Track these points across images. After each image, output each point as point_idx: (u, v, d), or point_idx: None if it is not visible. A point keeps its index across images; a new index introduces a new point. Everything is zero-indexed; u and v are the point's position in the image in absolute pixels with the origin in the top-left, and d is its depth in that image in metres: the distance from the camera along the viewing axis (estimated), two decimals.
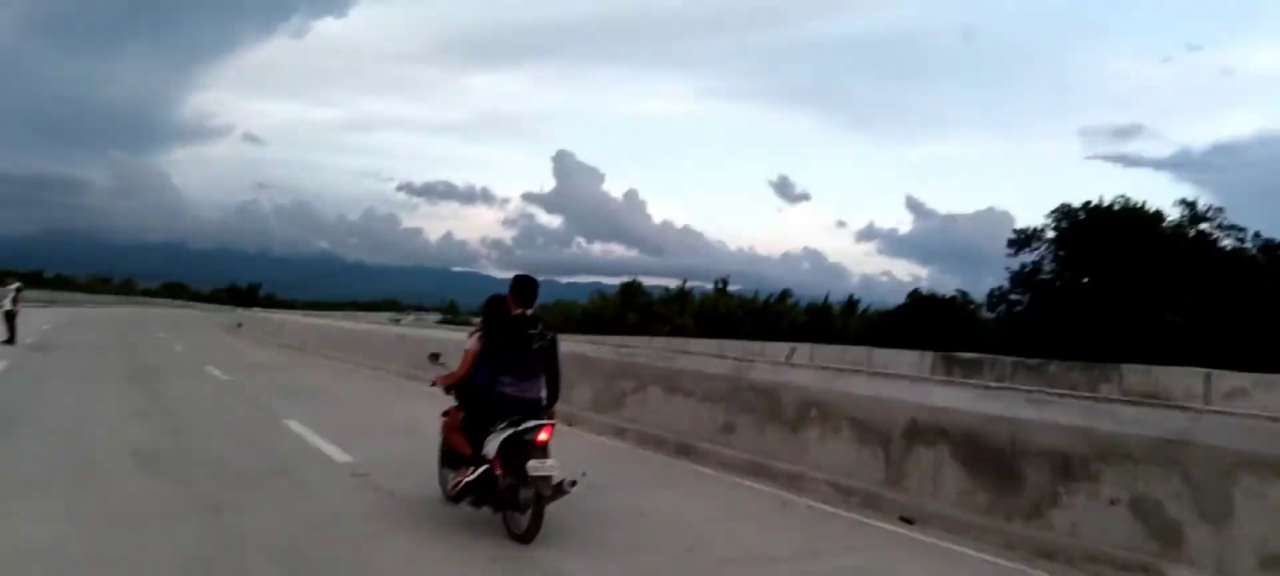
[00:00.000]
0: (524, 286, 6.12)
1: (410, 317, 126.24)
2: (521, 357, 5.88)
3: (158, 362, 19.53)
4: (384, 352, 20.55)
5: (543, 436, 5.58)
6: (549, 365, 6.02)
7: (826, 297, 61.17)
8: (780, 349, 22.11)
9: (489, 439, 5.72)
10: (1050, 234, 47.88)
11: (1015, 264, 49.01)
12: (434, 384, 6.63)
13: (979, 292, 52.33)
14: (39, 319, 36.59)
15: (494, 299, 6.34)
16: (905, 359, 18.94)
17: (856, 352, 20.80)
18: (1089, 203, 46.90)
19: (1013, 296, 49.25)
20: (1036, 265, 48.41)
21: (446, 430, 6.40)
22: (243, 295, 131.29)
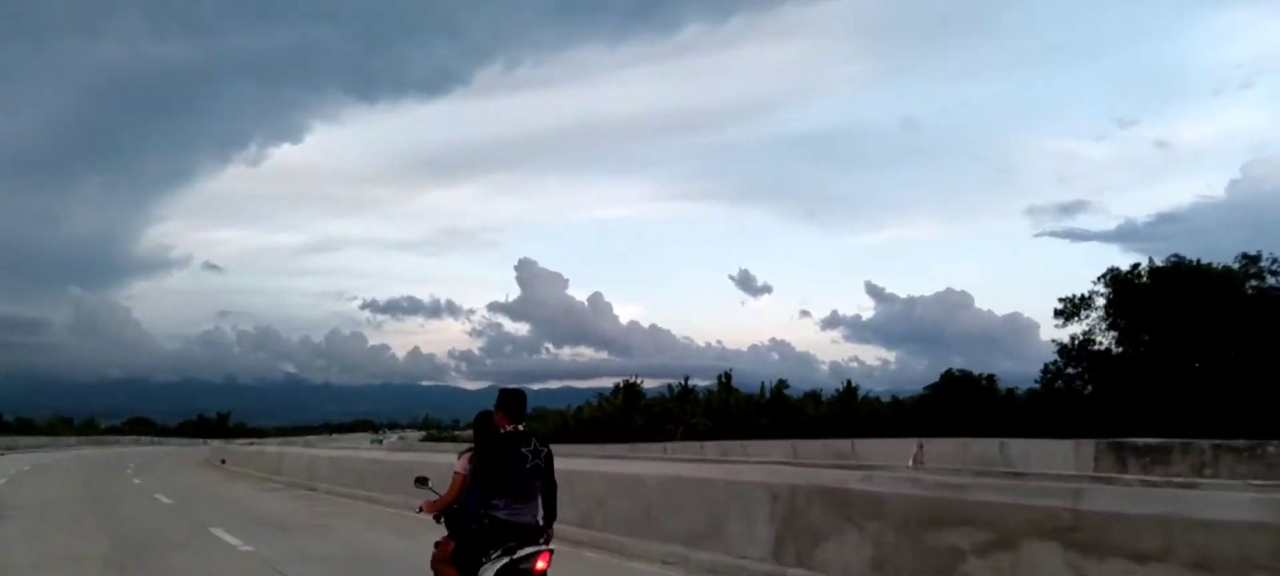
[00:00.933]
0: (512, 400, 5.68)
1: (394, 437, 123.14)
2: (515, 478, 5.45)
3: (147, 526, 14.69)
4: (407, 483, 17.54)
5: (541, 564, 5.29)
6: (546, 484, 5.63)
7: (820, 391, 58.96)
8: (867, 447, 19.49)
9: (482, 570, 5.37)
10: (1100, 301, 45.18)
11: (1064, 335, 45.99)
12: (421, 511, 6.19)
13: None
14: None
15: (482, 415, 6.04)
16: (1057, 450, 16.19)
17: (981, 447, 17.99)
18: (1137, 265, 44.32)
19: (1069, 371, 45.93)
20: (1087, 337, 45.51)
21: (435, 562, 5.96)
22: (210, 426, 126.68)
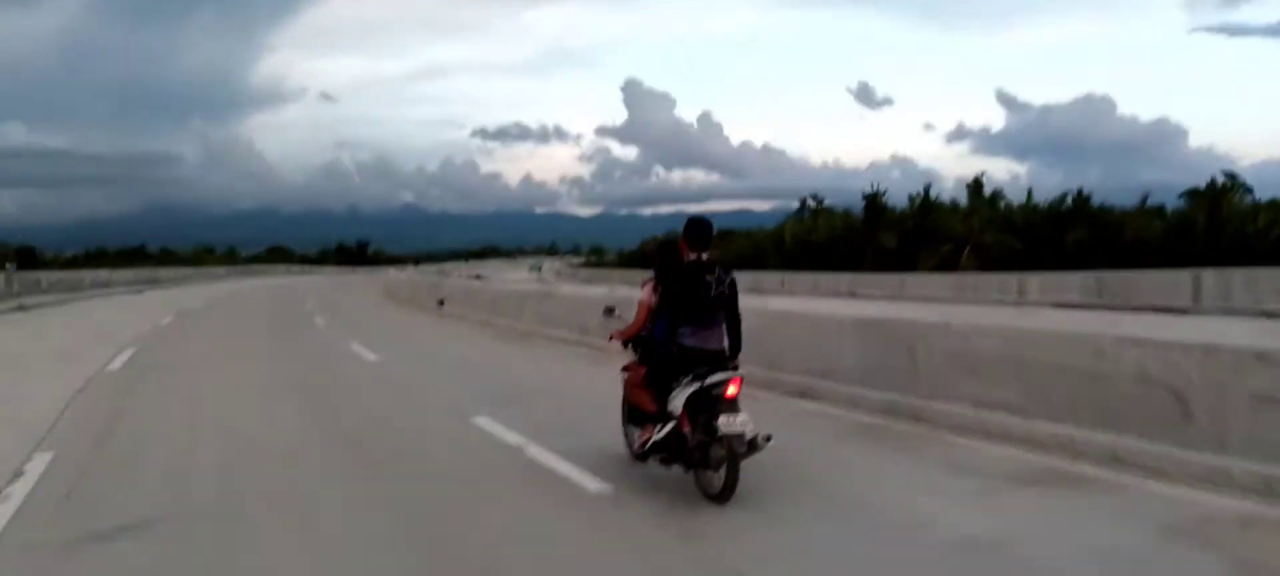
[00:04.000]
0: (697, 229, 5.61)
1: (556, 262, 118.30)
2: (700, 307, 5.47)
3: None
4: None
5: (732, 390, 5.23)
6: (730, 312, 5.61)
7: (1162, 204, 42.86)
8: None
9: (673, 394, 5.38)
10: None
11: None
12: (611, 339, 6.35)
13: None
14: (137, 313, 25.86)
15: (666, 244, 6.38)
16: None
17: None
18: None
19: None
20: None
21: (628, 386, 6.06)
22: (351, 254, 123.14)
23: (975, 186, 46.32)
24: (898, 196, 50.80)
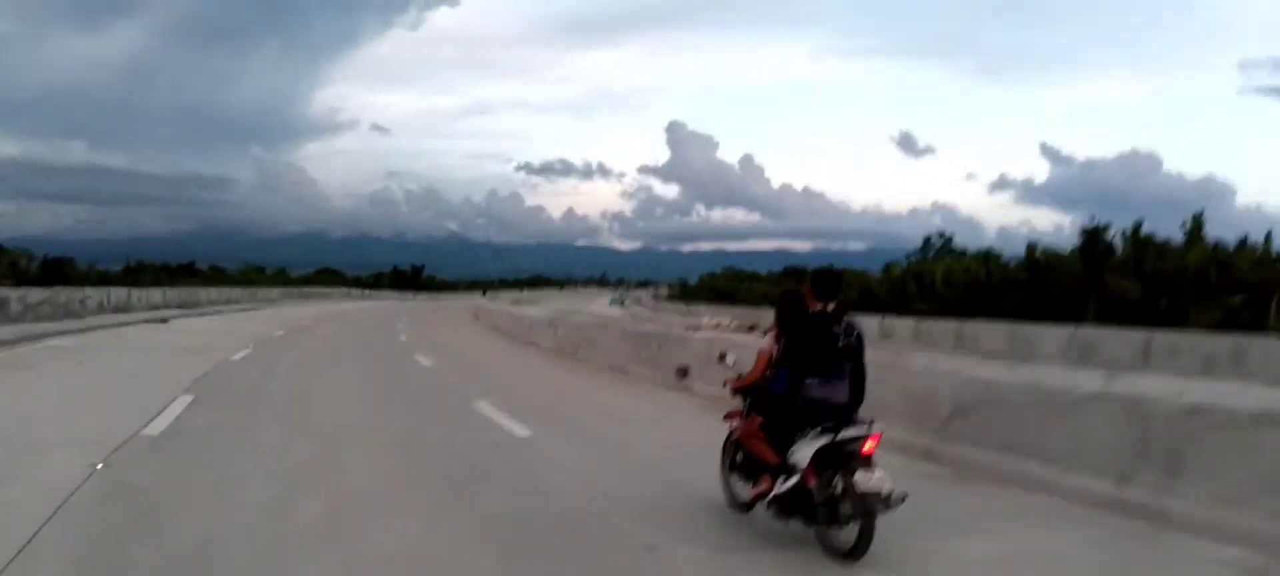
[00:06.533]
0: (826, 280, 5.51)
1: (630, 294, 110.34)
2: (827, 359, 5.30)
3: None
4: None
5: (869, 446, 5.01)
6: (856, 365, 5.41)
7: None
8: None
9: (798, 447, 5.16)
10: None
11: None
12: (726, 386, 6.09)
13: None
14: (173, 344, 18.21)
15: (789, 293, 5.96)
16: None
17: None
18: None
19: None
20: None
21: (746, 437, 5.71)
22: (406, 278, 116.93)
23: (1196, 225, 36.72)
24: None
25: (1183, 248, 37.03)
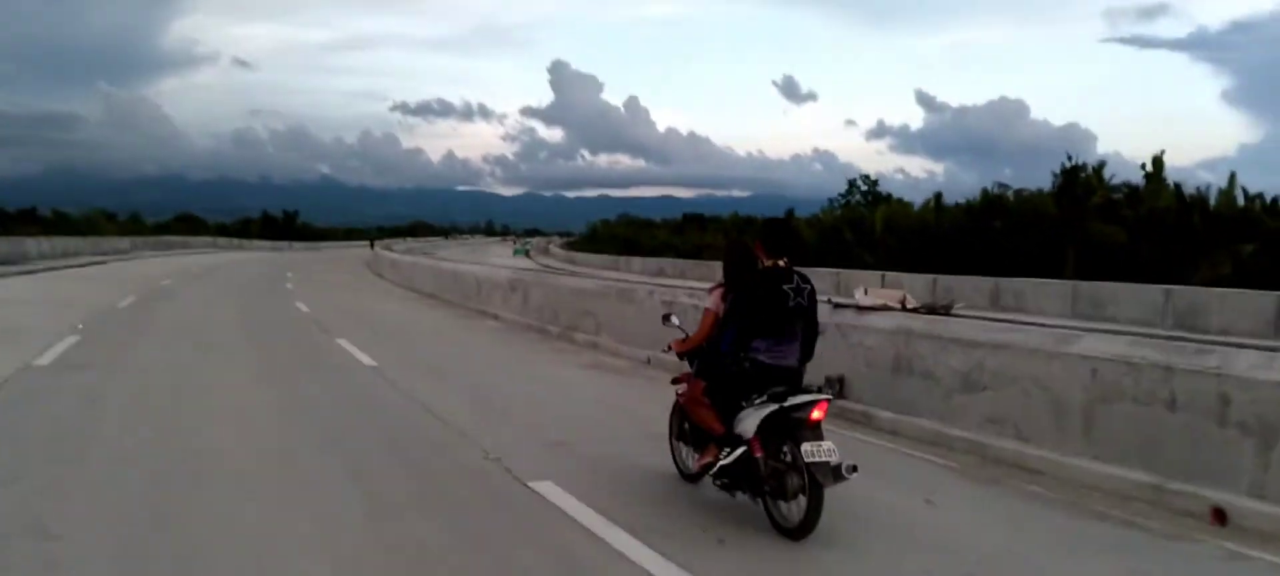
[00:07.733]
0: (777, 232, 5.14)
1: (534, 240, 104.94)
2: (776, 319, 4.94)
3: None
4: None
5: (817, 414, 4.69)
6: (807, 325, 5.08)
7: None
8: None
9: (743, 415, 4.86)
10: None
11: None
12: (668, 350, 5.71)
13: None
14: None
15: (737, 245, 5.62)
16: None
17: None
18: None
19: None
20: None
21: (690, 403, 5.36)
22: (279, 226, 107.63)
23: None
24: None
25: (1147, 192, 35.28)
